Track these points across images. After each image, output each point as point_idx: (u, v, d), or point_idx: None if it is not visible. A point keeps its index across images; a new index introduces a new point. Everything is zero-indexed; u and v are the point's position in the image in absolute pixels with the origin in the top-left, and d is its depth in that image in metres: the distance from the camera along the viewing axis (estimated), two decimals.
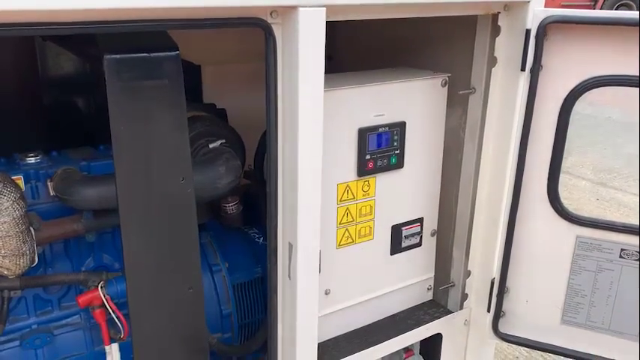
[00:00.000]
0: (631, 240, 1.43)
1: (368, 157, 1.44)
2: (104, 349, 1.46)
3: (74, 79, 1.70)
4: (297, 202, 1.16)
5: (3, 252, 1.15)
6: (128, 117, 1.04)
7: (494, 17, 1.43)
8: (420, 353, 1.75)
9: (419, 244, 1.64)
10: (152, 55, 1.02)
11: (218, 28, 1.04)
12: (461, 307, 1.70)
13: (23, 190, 1.31)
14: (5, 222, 1.12)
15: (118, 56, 0.99)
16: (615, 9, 13.61)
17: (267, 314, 1.29)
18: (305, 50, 1.07)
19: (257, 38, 1.14)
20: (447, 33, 1.58)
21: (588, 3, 14.48)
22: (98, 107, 1.25)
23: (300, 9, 1.03)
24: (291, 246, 1.20)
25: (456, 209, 1.68)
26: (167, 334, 1.25)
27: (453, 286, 1.74)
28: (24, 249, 1.18)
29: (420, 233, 1.63)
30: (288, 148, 1.18)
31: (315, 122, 1.15)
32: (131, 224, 1.11)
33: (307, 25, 1.05)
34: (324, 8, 1.06)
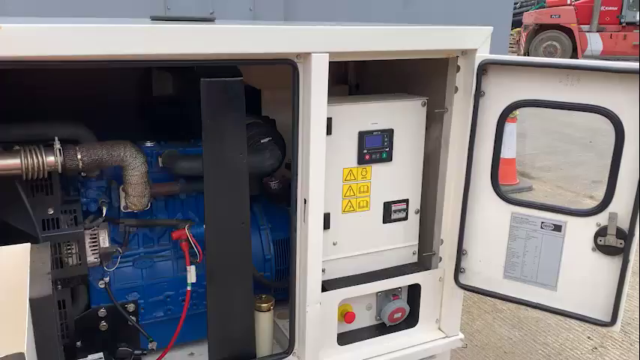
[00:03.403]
0: (547, 215, 2.02)
1: (365, 151, 2.11)
2: (184, 276, 2.18)
3: (174, 96, 2.49)
4: (309, 172, 1.86)
5: (134, 193, 1.92)
6: (213, 117, 1.78)
7: (455, 59, 2.09)
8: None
9: (405, 218, 2.28)
10: (228, 79, 1.77)
11: (265, 65, 1.77)
12: (436, 267, 2.32)
13: None
14: (137, 174, 1.89)
15: (209, 80, 1.74)
16: None
17: (290, 245, 1.99)
18: (316, 80, 1.77)
19: None
20: (432, 70, 2.22)
21: None
22: (188, 115, 1.99)
23: (313, 54, 1.75)
24: (305, 200, 1.90)
25: (435, 196, 2.32)
26: (227, 256, 1.96)
27: (434, 254, 2.36)
28: (145, 193, 1.94)
29: (405, 210, 2.27)
30: (305, 141, 1.88)
31: (321, 125, 1.85)
32: (211, 181, 1.85)
33: (317, 64, 1.76)
34: (328, 54, 1.77)
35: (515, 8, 22.50)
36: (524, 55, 18.11)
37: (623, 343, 3.31)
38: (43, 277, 1.20)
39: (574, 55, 17.37)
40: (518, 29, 20.16)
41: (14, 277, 1.21)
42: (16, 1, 3.39)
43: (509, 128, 6.12)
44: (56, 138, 1.77)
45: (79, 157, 1.79)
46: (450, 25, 2.06)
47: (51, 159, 1.74)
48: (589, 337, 3.36)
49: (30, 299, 1.11)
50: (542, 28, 18.06)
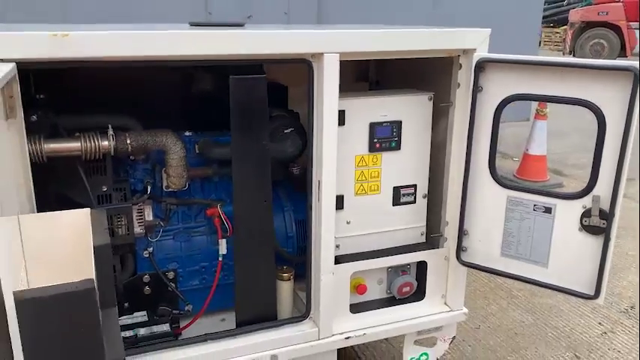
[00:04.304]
0: (539, 199, 2.23)
1: (376, 140, 2.37)
2: (217, 248, 2.49)
3: (209, 92, 2.81)
4: (322, 158, 2.14)
5: (174, 174, 2.24)
6: (240, 109, 2.09)
7: (457, 58, 2.33)
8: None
9: (413, 202, 2.53)
10: (252, 76, 2.07)
11: (282, 64, 2.06)
12: (442, 246, 2.56)
13: None
14: (176, 158, 2.22)
15: (237, 77, 2.04)
16: None
17: (306, 221, 2.27)
18: (328, 77, 2.05)
19: None
20: (439, 68, 2.47)
21: None
22: (221, 108, 2.30)
23: (325, 54, 2.03)
24: (319, 182, 2.18)
25: (442, 182, 2.56)
26: (252, 231, 2.26)
27: (441, 236, 2.60)
28: (183, 175, 2.27)
29: (414, 194, 2.52)
30: (319, 131, 2.15)
31: (333, 117, 2.12)
32: (238, 165, 2.15)
33: (329, 63, 2.04)
34: (338, 54, 2.04)
35: (562, 6, 22.06)
36: (570, 54, 17.80)
37: (632, 329, 3.44)
38: (103, 231, 1.52)
39: (622, 54, 16.95)
40: (564, 27, 19.79)
41: (80, 232, 1.54)
42: (78, 10, 3.82)
43: (540, 125, 6.22)
44: (110, 126, 2.12)
45: (128, 142, 2.13)
46: (479, 24, 2.29)
47: (105, 143, 2.09)
48: (600, 323, 3.51)
49: (94, 246, 1.44)
50: (588, 25, 17.67)
